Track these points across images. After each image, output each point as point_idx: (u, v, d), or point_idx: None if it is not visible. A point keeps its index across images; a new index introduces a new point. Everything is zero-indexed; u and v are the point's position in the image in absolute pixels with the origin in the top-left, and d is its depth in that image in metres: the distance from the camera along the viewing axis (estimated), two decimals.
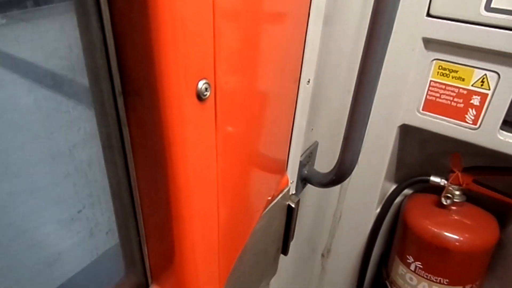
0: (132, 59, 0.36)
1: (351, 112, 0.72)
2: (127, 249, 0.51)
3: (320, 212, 1.29)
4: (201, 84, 0.38)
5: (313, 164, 0.98)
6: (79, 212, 0.39)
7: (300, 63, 0.69)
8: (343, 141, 0.76)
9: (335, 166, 0.81)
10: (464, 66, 0.94)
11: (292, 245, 1.13)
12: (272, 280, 1.05)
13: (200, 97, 0.38)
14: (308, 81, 0.74)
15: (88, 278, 0.47)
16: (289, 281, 1.24)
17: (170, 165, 0.39)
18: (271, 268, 0.93)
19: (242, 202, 0.58)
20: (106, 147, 0.42)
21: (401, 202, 1.29)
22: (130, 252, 0.51)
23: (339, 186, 1.26)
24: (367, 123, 0.73)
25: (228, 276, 0.68)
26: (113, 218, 0.45)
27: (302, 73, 0.71)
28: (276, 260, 0.94)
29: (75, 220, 0.39)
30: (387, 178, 1.26)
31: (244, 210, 0.60)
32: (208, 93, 0.39)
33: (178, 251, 0.47)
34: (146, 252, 0.51)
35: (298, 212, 1.08)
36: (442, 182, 1.15)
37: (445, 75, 0.97)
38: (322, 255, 1.43)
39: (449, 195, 1.12)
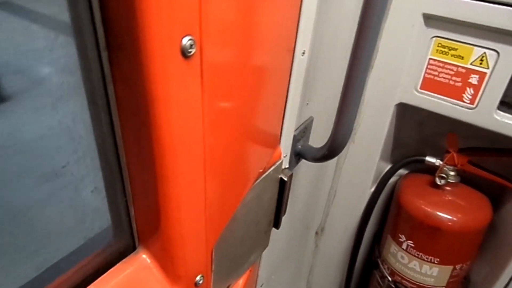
0: (115, 11, 0.36)
1: (345, 86, 0.71)
2: (114, 210, 0.51)
3: (315, 190, 1.29)
4: (186, 41, 0.37)
5: (307, 139, 0.98)
6: (63, 167, 0.39)
7: (295, 33, 0.68)
8: (336, 116, 0.76)
9: (328, 141, 0.81)
10: (463, 44, 0.93)
11: (286, 221, 1.14)
12: (265, 255, 1.07)
13: (184, 53, 0.38)
14: (303, 53, 0.73)
15: (75, 239, 0.48)
16: (282, 257, 1.26)
17: (154, 122, 0.39)
18: (263, 241, 0.94)
19: (230, 169, 0.58)
20: (91, 103, 0.41)
21: (396, 182, 1.30)
22: (117, 213, 0.51)
23: (334, 164, 1.26)
24: (360, 97, 0.73)
25: (217, 243, 0.69)
26: (99, 176, 0.45)
27: (296, 43, 0.70)
28: (267, 233, 0.94)
29: (59, 175, 0.39)
30: (383, 157, 1.26)
31: (233, 178, 0.61)
32: (193, 50, 0.38)
33: (163, 213, 0.48)
34: (133, 214, 0.52)
35: (293, 188, 1.09)
36: (438, 162, 1.15)
37: (444, 53, 0.96)
38: (316, 232, 1.44)
39: (443, 175, 1.12)
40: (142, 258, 0.54)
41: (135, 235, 0.53)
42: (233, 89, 0.51)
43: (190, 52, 0.38)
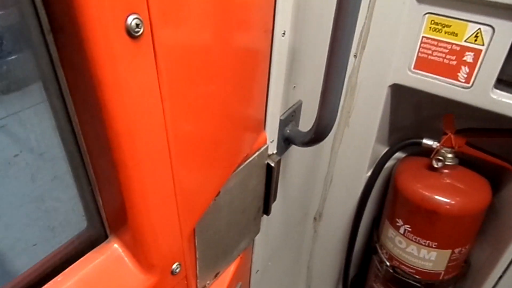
0: None
1: (327, 67, 0.69)
2: (82, 199, 0.50)
3: (311, 176, 1.27)
4: (131, 20, 0.35)
5: (297, 124, 0.96)
6: (15, 156, 0.38)
7: (272, 12, 0.65)
8: (320, 98, 0.73)
9: (313, 124, 0.79)
10: (457, 20, 0.89)
11: (281, 208, 1.12)
12: (259, 241, 1.06)
13: (131, 33, 0.36)
14: (283, 33, 0.71)
15: (39, 228, 0.47)
16: (279, 243, 1.25)
17: (105, 107, 0.38)
18: (252, 227, 0.93)
19: (204, 155, 0.56)
20: (44, 89, 0.40)
21: (393, 166, 1.27)
22: (85, 202, 0.51)
23: (329, 149, 1.24)
24: (344, 77, 0.70)
25: (199, 230, 0.68)
26: (59, 164, 0.44)
27: (275, 24, 0.67)
28: (257, 220, 0.93)
29: (12, 164, 0.38)
30: (379, 141, 1.23)
31: (209, 164, 0.59)
32: (140, 30, 0.37)
33: (128, 201, 0.46)
34: (101, 202, 0.51)
35: (285, 174, 1.07)
36: (435, 144, 1.12)
37: (437, 30, 0.92)
38: (314, 218, 1.43)
39: (440, 157, 1.09)
40: (114, 247, 0.53)
41: (105, 224, 0.52)
42: (199, 71, 0.49)
43: (138, 32, 0.36)
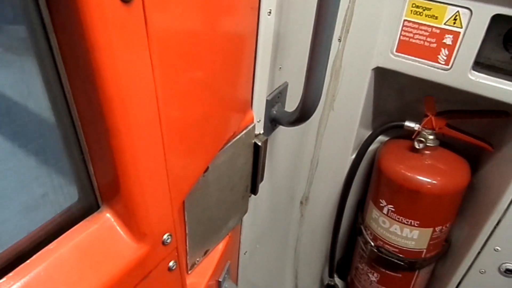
0: None
1: (312, 47, 0.71)
2: (74, 168, 0.51)
3: (298, 159, 1.30)
4: None
5: (283, 105, 0.98)
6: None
7: None
8: (305, 78, 0.75)
9: (299, 104, 0.81)
10: (437, 3, 0.92)
11: (268, 190, 1.15)
12: (247, 223, 1.08)
13: None
14: (269, 12, 0.72)
15: (30, 196, 0.48)
16: (266, 226, 1.27)
17: (97, 71, 0.39)
18: (240, 206, 0.95)
19: (192, 127, 0.58)
20: (36, 56, 0.41)
21: (377, 149, 1.30)
22: (77, 171, 0.52)
23: (315, 132, 1.26)
24: (327, 58, 0.72)
25: (188, 205, 0.69)
26: (51, 132, 0.45)
27: (261, 1, 0.69)
28: (245, 199, 0.95)
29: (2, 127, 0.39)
30: (363, 125, 1.26)
31: (197, 137, 0.61)
32: None
33: (120, 169, 0.48)
34: (93, 172, 0.52)
35: (272, 156, 1.10)
36: (417, 127, 1.16)
37: (418, 13, 0.95)
38: (301, 202, 1.46)
39: (421, 139, 1.13)
40: (106, 216, 0.54)
41: (97, 193, 0.54)
42: (188, 43, 0.50)
43: None
